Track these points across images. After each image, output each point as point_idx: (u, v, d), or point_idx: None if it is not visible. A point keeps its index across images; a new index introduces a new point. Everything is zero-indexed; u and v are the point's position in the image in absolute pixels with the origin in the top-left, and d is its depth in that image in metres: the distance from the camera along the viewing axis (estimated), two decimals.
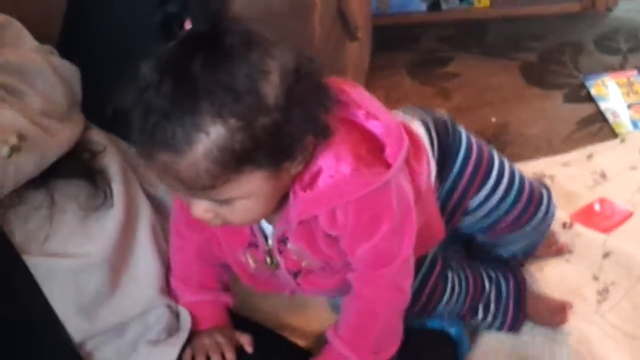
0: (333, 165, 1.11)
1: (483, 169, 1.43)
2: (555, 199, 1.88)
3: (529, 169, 2.00)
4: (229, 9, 1.04)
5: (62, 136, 1.30)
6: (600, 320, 1.60)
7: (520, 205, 1.48)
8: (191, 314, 1.36)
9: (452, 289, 1.48)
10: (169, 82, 0.98)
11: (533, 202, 1.50)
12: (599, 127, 2.16)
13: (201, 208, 1.08)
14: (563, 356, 1.54)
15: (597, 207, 1.87)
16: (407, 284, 1.26)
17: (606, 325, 1.58)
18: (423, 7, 2.66)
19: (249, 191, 1.06)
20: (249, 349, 1.33)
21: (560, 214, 1.85)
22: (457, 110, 2.27)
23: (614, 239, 1.77)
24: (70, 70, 1.38)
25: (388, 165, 1.14)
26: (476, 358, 1.56)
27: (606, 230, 1.80)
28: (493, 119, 2.23)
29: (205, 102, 0.97)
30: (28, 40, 1.36)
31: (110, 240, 1.30)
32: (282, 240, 1.22)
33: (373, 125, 1.16)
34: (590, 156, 2.04)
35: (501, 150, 2.06)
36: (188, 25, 1.01)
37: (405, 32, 2.62)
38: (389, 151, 1.15)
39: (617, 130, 2.13)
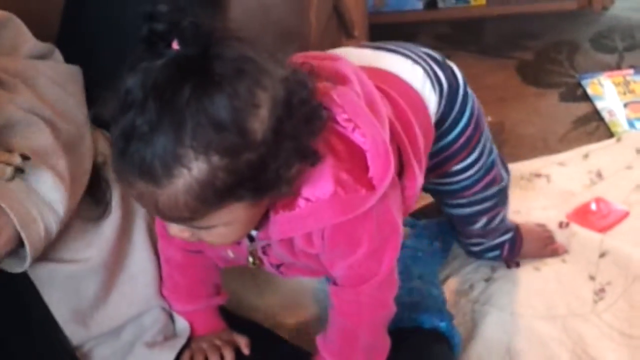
0: (312, 188, 1.07)
1: (476, 138, 1.43)
2: (551, 198, 1.90)
3: (525, 168, 2.01)
4: (221, 25, 0.99)
5: (86, 155, 1.29)
6: (596, 320, 1.59)
7: (484, 181, 1.49)
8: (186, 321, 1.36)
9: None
10: (154, 107, 0.93)
11: (496, 182, 1.52)
12: (595, 126, 2.16)
13: (177, 229, 1.06)
14: (559, 356, 1.53)
15: (593, 206, 1.86)
16: (391, 297, 1.23)
17: (603, 325, 1.58)
18: (419, 5, 2.65)
19: (229, 220, 1.03)
20: (245, 350, 1.33)
21: (557, 214, 1.85)
22: None
23: (611, 239, 1.77)
24: (76, 74, 1.36)
25: (371, 187, 1.09)
26: (471, 354, 1.56)
27: (602, 229, 1.80)
28: (489, 118, 2.19)
29: (189, 135, 0.93)
30: (28, 38, 1.35)
31: (107, 245, 1.30)
32: (265, 245, 1.21)
33: (359, 140, 1.09)
34: (586, 155, 2.04)
35: (497, 149, 2.08)
36: (175, 45, 0.95)
37: (402, 30, 2.61)
38: (373, 174, 1.09)
39: (613, 130, 2.13)
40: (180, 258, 1.31)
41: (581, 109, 2.23)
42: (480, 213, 1.55)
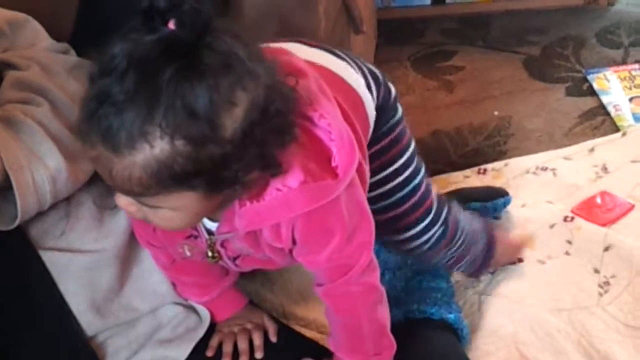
0: (281, 178, 1.05)
1: (400, 146, 1.38)
2: (556, 192, 1.91)
3: (531, 162, 2.03)
4: (221, 19, 0.97)
5: None
6: (601, 313, 1.61)
7: (410, 202, 1.41)
8: (209, 309, 1.37)
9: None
10: (134, 78, 0.92)
11: (424, 204, 1.43)
12: (600, 121, 2.17)
13: (125, 201, 1.03)
14: (565, 347, 1.55)
15: (598, 200, 1.88)
16: (377, 279, 1.23)
17: (608, 317, 1.60)
18: (427, 0, 2.67)
19: (177, 206, 1.01)
20: (273, 338, 1.35)
21: (562, 207, 1.87)
22: (460, 103, 2.29)
23: (615, 232, 1.78)
24: (87, 67, 1.38)
25: (335, 175, 1.08)
26: (478, 345, 1.57)
27: (607, 223, 1.82)
28: (496, 112, 2.24)
29: (160, 114, 0.92)
30: (44, 37, 1.37)
31: (122, 236, 1.31)
32: (225, 239, 1.20)
33: (323, 131, 1.09)
34: (592, 149, 2.06)
35: (503, 144, 2.11)
36: (172, 25, 0.93)
37: (410, 26, 2.64)
38: (338, 163, 1.08)
39: (619, 124, 2.14)
40: (169, 259, 1.31)
41: (587, 103, 2.24)
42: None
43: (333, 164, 1.09)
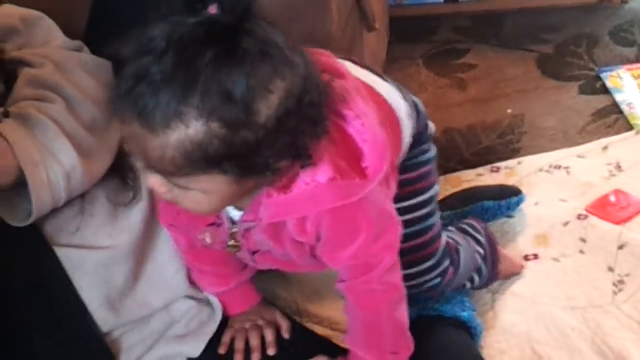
0: (310, 173, 1.08)
1: (425, 184, 1.41)
2: (570, 190, 1.91)
3: (544, 160, 2.02)
4: (257, 4, 0.99)
5: (112, 139, 1.31)
6: (616, 311, 1.61)
7: (420, 240, 1.43)
8: (223, 302, 1.38)
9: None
10: (172, 59, 0.93)
11: (430, 248, 1.44)
12: (614, 119, 2.16)
13: (156, 181, 1.04)
14: (579, 346, 1.55)
15: (612, 198, 1.88)
16: (399, 279, 1.24)
17: (622, 316, 1.59)
18: None
19: (207, 188, 1.03)
20: (286, 335, 1.35)
21: (576, 206, 1.86)
22: (473, 101, 2.29)
23: (630, 231, 1.78)
24: (105, 66, 1.39)
25: (365, 176, 1.11)
26: (492, 343, 1.57)
27: (621, 221, 1.81)
28: (509, 111, 2.23)
29: (198, 96, 0.93)
30: (58, 36, 1.38)
31: (137, 232, 1.32)
32: (248, 228, 1.20)
33: (357, 130, 1.11)
34: (605, 148, 2.05)
35: (517, 142, 2.10)
36: (213, 10, 0.96)
37: (422, 24, 2.63)
38: (369, 164, 1.11)
39: (633, 122, 2.13)
40: (189, 242, 1.32)
41: (601, 101, 2.23)
42: None
43: (363, 165, 1.10)
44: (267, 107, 0.96)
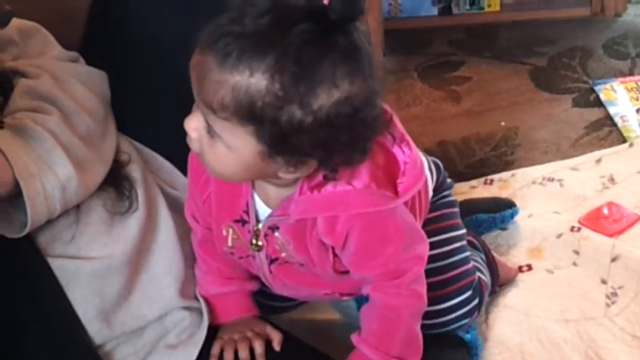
0: (347, 176, 1.13)
1: (446, 223, 1.50)
2: (563, 202, 1.91)
3: (537, 172, 2.03)
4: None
5: (107, 150, 1.31)
6: (609, 324, 1.61)
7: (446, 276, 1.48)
8: (218, 306, 1.38)
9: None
10: (269, 19, 0.99)
11: (462, 280, 1.49)
12: (607, 132, 2.17)
13: (194, 124, 1.08)
14: (572, 359, 1.55)
15: (605, 211, 1.88)
16: (423, 289, 1.27)
17: (615, 328, 1.60)
18: (434, 11, 2.69)
19: (235, 145, 1.05)
20: (277, 347, 1.35)
21: (569, 218, 1.87)
22: (467, 113, 2.29)
23: (623, 243, 1.78)
24: (100, 77, 1.39)
25: (396, 192, 1.16)
26: (485, 355, 1.57)
27: (614, 234, 1.81)
28: (502, 123, 2.24)
29: (275, 56, 0.98)
30: (54, 47, 1.38)
31: (132, 242, 1.32)
32: (272, 227, 1.22)
33: (399, 152, 1.18)
34: (599, 160, 2.06)
35: (510, 154, 2.11)
36: (326, 0, 1.00)
37: (417, 36, 2.64)
38: (404, 181, 1.17)
39: (626, 135, 2.14)
40: (204, 237, 1.34)
41: (594, 114, 2.24)
42: None
43: (398, 181, 1.17)
44: (327, 98, 1.00)
